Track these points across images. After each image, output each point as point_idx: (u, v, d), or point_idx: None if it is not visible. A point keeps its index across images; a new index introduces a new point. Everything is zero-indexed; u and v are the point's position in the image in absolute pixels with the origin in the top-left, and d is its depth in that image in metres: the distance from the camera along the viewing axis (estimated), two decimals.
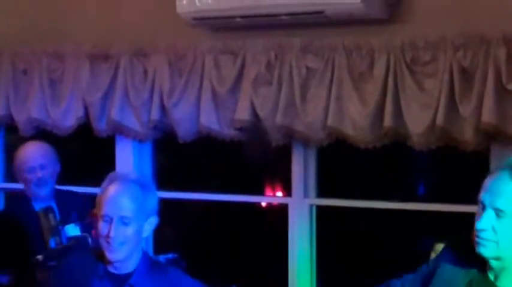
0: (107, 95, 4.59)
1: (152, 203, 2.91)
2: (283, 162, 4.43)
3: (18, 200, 4.22)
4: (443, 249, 2.69)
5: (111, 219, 2.82)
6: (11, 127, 4.99)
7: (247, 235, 4.89)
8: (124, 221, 2.82)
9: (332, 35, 4.03)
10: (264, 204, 5.00)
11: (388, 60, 3.89)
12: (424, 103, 3.82)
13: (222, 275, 4.25)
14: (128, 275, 2.87)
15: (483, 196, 2.46)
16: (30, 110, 4.77)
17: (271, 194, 4.84)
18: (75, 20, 4.77)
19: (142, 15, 4.58)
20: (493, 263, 2.50)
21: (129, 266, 2.88)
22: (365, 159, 4.42)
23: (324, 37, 4.04)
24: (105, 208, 2.84)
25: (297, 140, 4.21)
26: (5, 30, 4.98)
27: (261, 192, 4.84)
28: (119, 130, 4.60)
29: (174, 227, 5.07)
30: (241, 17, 4.12)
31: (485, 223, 2.43)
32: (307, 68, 4.08)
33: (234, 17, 4.14)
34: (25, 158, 4.13)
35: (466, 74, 3.73)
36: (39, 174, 4.11)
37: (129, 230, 2.83)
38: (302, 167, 4.32)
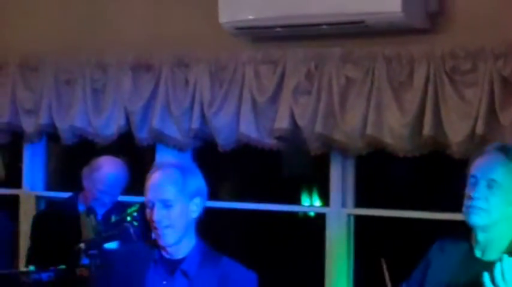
0: (149, 105, 4.65)
1: (194, 184, 2.93)
2: (321, 171, 4.44)
3: (65, 202, 4.30)
4: (434, 245, 2.93)
5: (153, 204, 2.87)
6: (53, 136, 5.07)
7: (285, 245, 4.89)
8: (166, 204, 2.86)
9: (372, 45, 4.06)
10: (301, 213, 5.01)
11: (428, 70, 3.91)
12: (463, 112, 3.83)
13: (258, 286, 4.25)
14: (181, 261, 2.90)
15: (475, 171, 2.72)
16: (72, 119, 4.86)
17: (309, 203, 4.85)
18: (117, 31, 4.86)
19: (184, 25, 4.65)
20: (480, 236, 2.72)
21: (181, 252, 2.91)
22: (404, 168, 4.42)
23: (364, 46, 4.07)
24: (147, 194, 2.90)
25: (336, 149, 4.23)
26: (49, 41, 5.07)
27: (298, 201, 4.85)
28: (159, 139, 4.66)
29: (211, 235, 5.08)
30: (282, 26, 4.17)
31: (480, 192, 2.67)
32: (347, 77, 4.11)
33: (274, 27, 4.19)
34: (108, 180, 4.18)
35: (506, 83, 3.74)
36: (106, 200, 4.19)
37: (173, 213, 2.86)
38: (340, 177, 4.34)
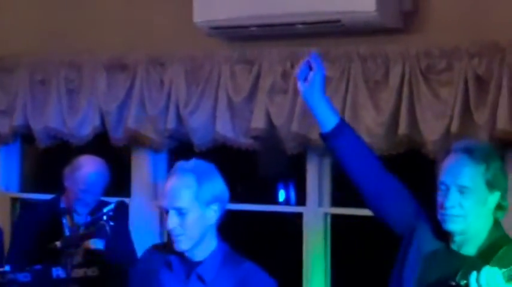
0: (124, 105, 4.64)
1: (211, 190, 2.82)
2: (297, 171, 4.45)
3: (47, 203, 4.28)
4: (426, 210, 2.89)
5: (168, 211, 2.80)
6: (28, 137, 5.03)
7: (261, 244, 4.89)
8: (180, 212, 2.78)
9: (348, 44, 4.07)
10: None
11: (403, 69, 3.93)
12: (438, 111, 3.85)
13: None
14: (198, 263, 2.83)
15: (444, 177, 2.70)
16: (47, 119, 4.83)
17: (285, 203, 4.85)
18: (92, 30, 4.84)
19: (159, 25, 4.64)
20: (457, 237, 2.72)
21: (200, 255, 2.83)
22: None
23: (340, 46, 4.08)
24: (162, 201, 2.83)
25: (312, 149, 4.24)
26: (23, 41, 5.05)
27: (275, 201, 4.85)
28: (135, 139, 4.64)
29: None
30: (258, 26, 4.17)
31: (453, 200, 2.66)
32: None
33: (250, 27, 4.19)
34: (89, 179, 4.13)
35: (481, 82, 3.77)
36: (88, 199, 4.15)
37: (187, 220, 2.77)
38: (316, 176, 4.35)
